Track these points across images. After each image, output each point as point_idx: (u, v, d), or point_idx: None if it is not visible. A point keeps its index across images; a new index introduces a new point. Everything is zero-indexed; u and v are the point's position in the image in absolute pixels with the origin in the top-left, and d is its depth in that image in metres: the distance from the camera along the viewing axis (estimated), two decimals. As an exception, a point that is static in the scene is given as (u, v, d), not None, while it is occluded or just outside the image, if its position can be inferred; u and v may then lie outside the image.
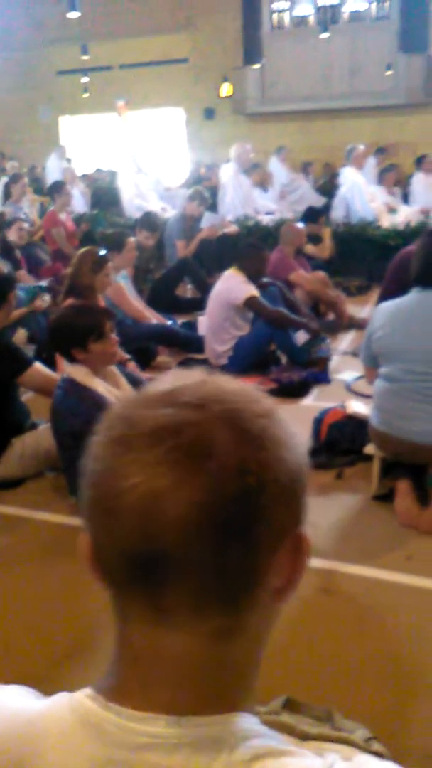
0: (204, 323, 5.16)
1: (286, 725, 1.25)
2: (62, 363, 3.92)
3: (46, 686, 0.74)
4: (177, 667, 0.59)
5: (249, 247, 5.18)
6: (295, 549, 0.62)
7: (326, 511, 2.98)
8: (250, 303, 4.75)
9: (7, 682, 0.71)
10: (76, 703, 0.61)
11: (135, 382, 3.33)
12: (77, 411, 2.77)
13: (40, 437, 3.32)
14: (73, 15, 10.20)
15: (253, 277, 4.82)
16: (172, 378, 0.64)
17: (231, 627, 0.59)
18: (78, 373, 2.93)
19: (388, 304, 3.02)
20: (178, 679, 0.59)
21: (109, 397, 2.82)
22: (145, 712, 0.58)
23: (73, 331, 2.92)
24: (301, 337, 4.99)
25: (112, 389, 2.97)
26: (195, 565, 0.56)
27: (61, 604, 2.46)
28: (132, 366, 4.22)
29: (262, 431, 0.59)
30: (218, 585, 0.57)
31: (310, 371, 4.62)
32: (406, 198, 9.01)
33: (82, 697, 0.61)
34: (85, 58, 13.29)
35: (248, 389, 0.64)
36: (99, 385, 2.90)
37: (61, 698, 0.63)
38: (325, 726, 1.35)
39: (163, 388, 0.62)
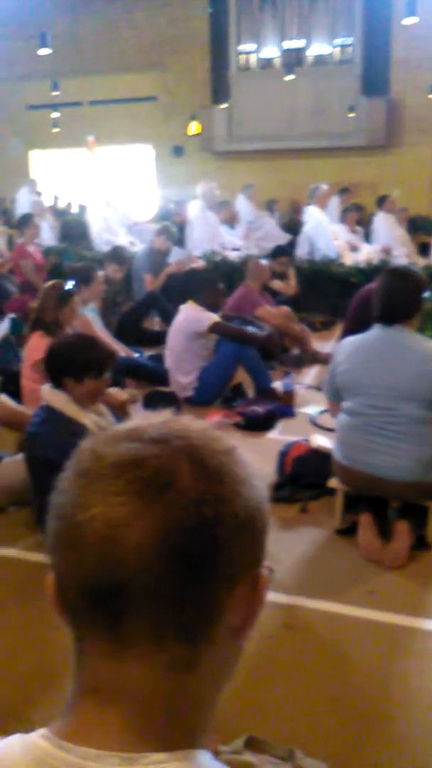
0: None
1: (249, 764, 1.25)
2: (28, 396, 3.90)
3: (23, 724, 0.73)
4: (135, 699, 0.59)
5: (203, 281, 5.26)
6: (253, 588, 0.63)
7: (290, 546, 2.99)
8: (215, 328, 4.83)
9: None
10: (29, 743, 0.60)
11: (115, 414, 3.28)
12: (52, 440, 2.69)
13: (3, 471, 3.28)
14: (44, 52, 10.39)
15: (210, 309, 4.89)
16: (142, 417, 0.66)
17: (189, 659, 0.60)
18: (57, 399, 2.85)
19: (351, 340, 3.08)
20: (135, 712, 0.59)
21: (92, 428, 2.76)
22: (99, 750, 0.57)
23: (74, 362, 2.85)
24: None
25: (98, 420, 2.92)
26: (153, 595, 0.57)
27: (29, 642, 2.40)
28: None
29: (220, 466, 0.61)
30: (175, 615, 0.58)
31: (275, 404, 4.66)
32: (368, 237, 9.23)
33: (36, 738, 0.61)
34: (55, 93, 13.43)
35: (210, 428, 0.66)
36: (84, 417, 2.85)
37: (14, 740, 0.62)
38: (286, 765, 1.35)
39: (130, 426, 0.64)
